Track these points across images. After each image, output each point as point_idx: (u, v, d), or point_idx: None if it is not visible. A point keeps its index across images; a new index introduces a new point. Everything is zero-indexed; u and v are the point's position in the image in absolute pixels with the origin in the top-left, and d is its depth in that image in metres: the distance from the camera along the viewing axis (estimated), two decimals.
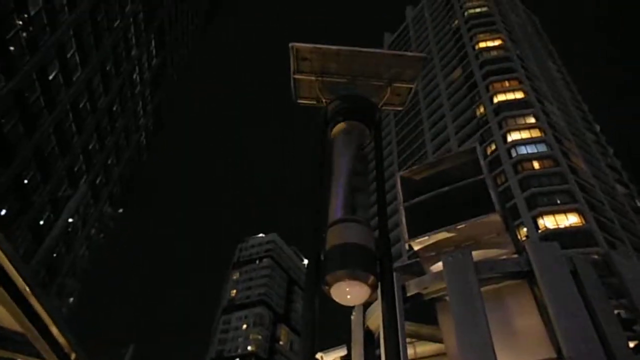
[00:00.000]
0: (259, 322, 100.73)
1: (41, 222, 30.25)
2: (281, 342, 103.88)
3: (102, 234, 43.32)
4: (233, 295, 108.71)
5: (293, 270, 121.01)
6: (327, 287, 4.37)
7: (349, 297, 4.43)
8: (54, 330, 5.91)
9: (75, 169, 33.94)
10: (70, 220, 34.42)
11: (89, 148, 35.73)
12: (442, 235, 8.25)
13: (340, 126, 5.29)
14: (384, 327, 4.44)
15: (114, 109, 39.42)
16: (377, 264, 4.46)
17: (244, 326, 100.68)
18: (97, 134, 36.74)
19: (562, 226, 48.46)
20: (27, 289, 5.40)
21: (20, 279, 5.28)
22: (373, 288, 4.43)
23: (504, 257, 8.46)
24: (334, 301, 4.54)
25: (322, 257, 4.51)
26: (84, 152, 34.89)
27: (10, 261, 5.10)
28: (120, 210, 46.52)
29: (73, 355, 6.34)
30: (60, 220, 32.08)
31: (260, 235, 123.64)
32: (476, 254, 7.82)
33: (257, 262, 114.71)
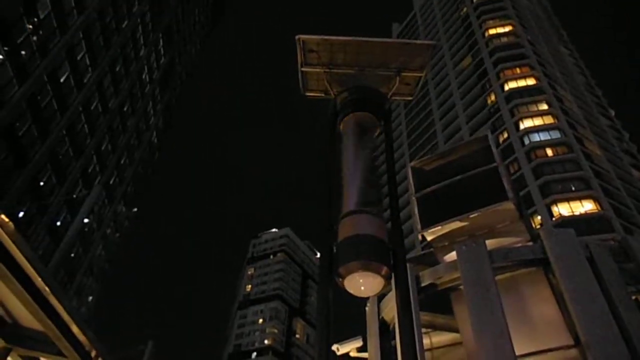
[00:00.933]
0: (274, 316, 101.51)
1: (58, 223, 30.77)
2: (297, 336, 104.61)
3: (117, 234, 43.93)
4: (248, 290, 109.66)
5: (307, 264, 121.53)
6: (340, 279, 4.37)
7: (362, 288, 4.43)
8: (75, 328, 6.02)
9: (89, 170, 34.39)
10: (86, 220, 34.94)
11: (102, 149, 36.16)
12: (455, 224, 8.19)
13: (350, 118, 5.26)
14: (399, 318, 4.44)
15: (125, 109, 39.79)
16: (390, 255, 4.45)
17: (260, 320, 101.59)
18: (109, 134, 37.16)
19: (577, 213, 47.80)
20: (47, 289, 5.50)
21: (40, 280, 5.38)
22: (387, 279, 4.42)
23: (519, 245, 8.39)
24: (349, 293, 4.54)
25: (335, 250, 4.51)
26: (97, 153, 35.33)
27: (29, 262, 5.20)
28: (135, 210, 47.09)
29: (94, 353, 6.46)
30: (76, 221, 32.58)
31: (274, 230, 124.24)
32: (490, 243, 7.75)
33: (271, 257, 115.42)
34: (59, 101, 28.90)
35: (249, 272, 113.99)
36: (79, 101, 31.42)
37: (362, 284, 4.39)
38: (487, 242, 7.72)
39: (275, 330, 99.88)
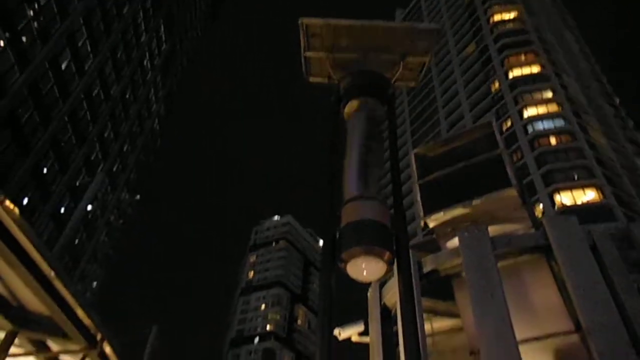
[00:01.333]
0: (276, 302, 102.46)
1: (62, 211, 30.94)
2: (299, 322, 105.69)
3: (120, 220, 44.18)
4: (251, 277, 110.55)
5: (309, 252, 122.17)
6: (343, 264, 4.38)
7: (365, 273, 4.44)
8: (80, 312, 6.08)
9: (92, 157, 34.46)
10: (89, 207, 35.14)
11: (104, 136, 36.19)
12: (457, 211, 8.20)
13: (353, 103, 5.20)
14: (400, 304, 4.45)
15: (127, 96, 39.71)
16: (393, 240, 4.46)
17: (262, 306, 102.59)
18: (112, 121, 37.14)
19: (579, 202, 47.76)
20: (52, 273, 5.55)
21: (45, 264, 5.43)
22: (389, 264, 4.43)
23: (521, 232, 8.40)
24: (351, 278, 4.56)
25: (337, 235, 4.52)
26: (100, 140, 35.36)
27: (35, 247, 5.24)
28: (137, 197, 47.29)
29: (99, 336, 6.54)
30: (79, 208, 32.76)
31: (276, 217, 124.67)
32: (492, 229, 7.76)
33: (273, 244, 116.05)
34: (61, 88, 28.84)
35: (251, 259, 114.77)
36: (81, 88, 31.35)
37: (364, 268, 4.39)
38: (490, 228, 7.73)
39: (277, 317, 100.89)
